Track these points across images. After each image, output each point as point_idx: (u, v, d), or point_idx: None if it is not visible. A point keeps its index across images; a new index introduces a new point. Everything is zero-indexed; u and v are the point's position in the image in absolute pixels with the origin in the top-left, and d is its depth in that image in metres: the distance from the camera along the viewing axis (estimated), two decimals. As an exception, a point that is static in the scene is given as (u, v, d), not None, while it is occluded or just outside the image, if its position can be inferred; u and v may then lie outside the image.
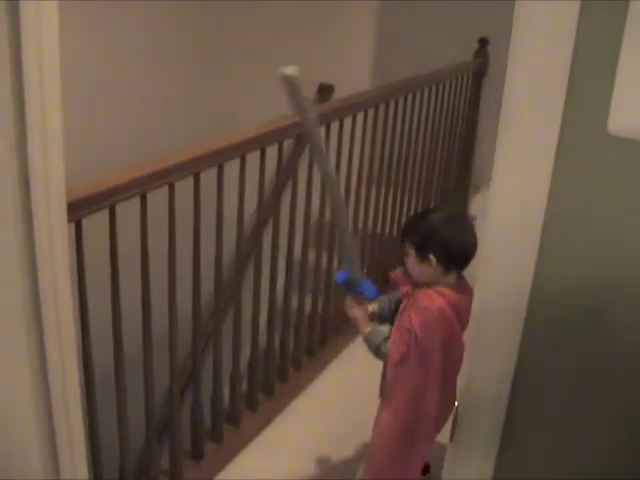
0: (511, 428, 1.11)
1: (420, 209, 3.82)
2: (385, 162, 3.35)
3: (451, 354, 1.97)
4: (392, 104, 3.28)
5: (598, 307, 1.02)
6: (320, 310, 3.10)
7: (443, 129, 3.89)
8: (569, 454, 1.10)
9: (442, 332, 1.95)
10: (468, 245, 1.99)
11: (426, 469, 2.37)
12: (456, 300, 1.96)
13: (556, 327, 1.06)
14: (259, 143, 2.40)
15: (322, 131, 2.14)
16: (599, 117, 0.95)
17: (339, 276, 2.02)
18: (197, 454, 2.52)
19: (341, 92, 4.37)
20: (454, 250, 1.98)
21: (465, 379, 1.16)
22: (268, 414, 2.79)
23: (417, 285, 2.01)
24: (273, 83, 1.53)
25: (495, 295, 1.09)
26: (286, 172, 2.80)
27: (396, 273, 2.07)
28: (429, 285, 1.99)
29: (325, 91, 4.39)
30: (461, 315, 1.92)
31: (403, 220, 3.62)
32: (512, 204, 1.05)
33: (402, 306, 2.04)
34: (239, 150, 2.31)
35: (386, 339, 2.01)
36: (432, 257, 1.95)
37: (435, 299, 1.95)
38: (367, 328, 2.06)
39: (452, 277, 2.00)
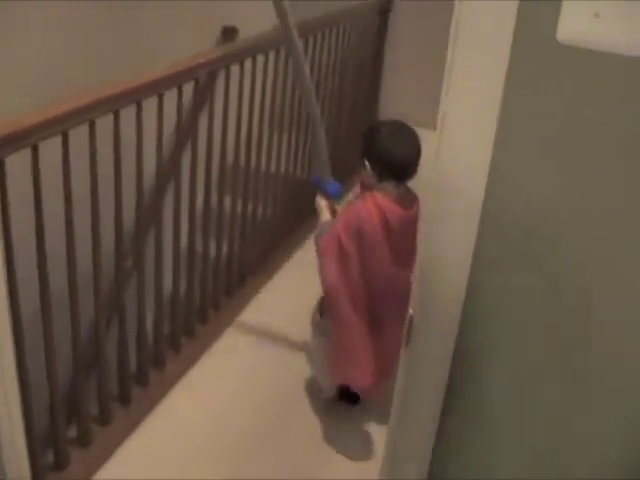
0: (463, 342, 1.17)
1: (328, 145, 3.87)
2: (295, 103, 3.34)
3: (371, 256, 2.12)
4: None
5: (547, 229, 1.09)
6: (237, 252, 3.10)
7: (351, 67, 3.91)
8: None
9: (362, 235, 2.10)
10: (402, 157, 2.10)
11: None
12: (388, 207, 2.09)
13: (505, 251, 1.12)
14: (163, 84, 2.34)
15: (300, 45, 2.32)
16: (549, 27, 0.99)
17: (313, 177, 2.39)
18: (125, 398, 2.50)
19: (245, 35, 4.30)
20: (386, 159, 2.10)
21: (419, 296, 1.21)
22: (192, 355, 2.80)
23: (365, 189, 2.18)
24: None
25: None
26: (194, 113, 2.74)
27: (361, 178, 2.24)
28: (370, 190, 2.14)
29: (229, 34, 4.30)
30: (391, 222, 2.08)
31: (311, 159, 3.65)
32: (465, 123, 1.08)
33: None
34: (155, 88, 2.28)
35: None
36: (367, 163, 2.12)
37: (365, 204, 2.11)
38: (324, 219, 2.26)
39: (390, 186, 2.12)
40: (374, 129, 2.20)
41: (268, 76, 3.02)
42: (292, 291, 3.27)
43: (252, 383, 2.74)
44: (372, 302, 2.20)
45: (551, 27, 0.99)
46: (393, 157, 2.10)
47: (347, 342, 2.25)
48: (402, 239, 2.12)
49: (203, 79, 2.55)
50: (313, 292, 2.45)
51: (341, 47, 3.69)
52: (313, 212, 2.35)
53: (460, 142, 1.08)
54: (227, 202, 2.91)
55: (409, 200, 2.15)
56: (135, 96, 2.18)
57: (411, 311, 1.20)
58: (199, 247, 2.77)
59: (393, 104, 4.64)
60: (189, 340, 2.84)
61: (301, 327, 2.71)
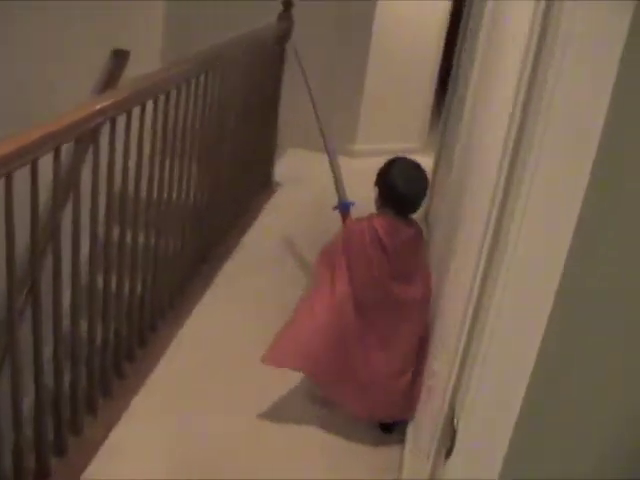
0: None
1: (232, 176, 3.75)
2: (194, 138, 3.13)
3: (357, 265, 2.44)
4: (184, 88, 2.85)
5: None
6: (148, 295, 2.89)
7: (252, 96, 3.77)
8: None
9: (353, 246, 2.46)
10: (404, 195, 2.45)
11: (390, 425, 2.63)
12: (384, 228, 2.42)
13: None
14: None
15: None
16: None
17: (336, 207, 2.86)
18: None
19: (135, 58, 4.10)
20: (390, 192, 2.47)
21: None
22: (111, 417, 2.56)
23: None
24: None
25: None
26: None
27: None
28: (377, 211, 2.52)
29: (120, 57, 4.06)
30: (384, 242, 2.41)
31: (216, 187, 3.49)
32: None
33: None
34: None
35: None
36: (375, 188, 2.52)
37: (364, 221, 2.49)
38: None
39: (390, 212, 2.46)
40: (391, 161, 2.54)
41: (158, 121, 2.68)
42: (206, 338, 3.12)
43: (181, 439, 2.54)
44: (364, 309, 2.46)
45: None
46: (396, 192, 2.45)
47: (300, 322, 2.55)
48: (396, 258, 2.43)
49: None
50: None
51: (241, 77, 3.52)
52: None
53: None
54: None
55: (406, 226, 2.48)
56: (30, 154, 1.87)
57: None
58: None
59: (291, 130, 4.58)
60: (106, 400, 2.60)
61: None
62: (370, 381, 2.46)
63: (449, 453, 1.12)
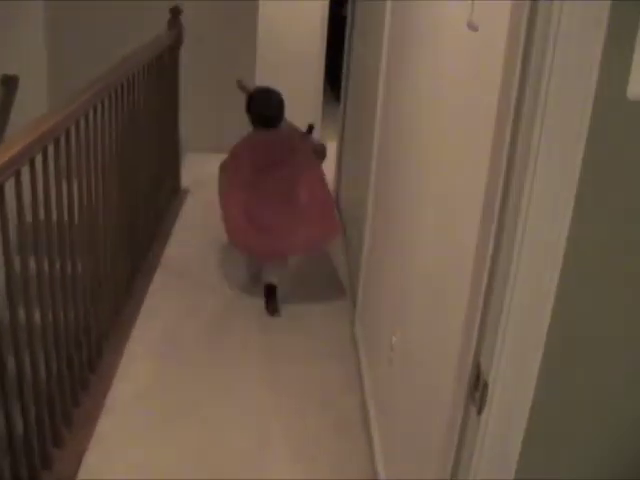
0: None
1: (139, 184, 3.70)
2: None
3: (238, 166, 3.49)
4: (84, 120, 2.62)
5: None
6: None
7: (151, 106, 3.72)
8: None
9: (232, 155, 3.59)
10: (260, 111, 3.54)
11: (271, 290, 3.46)
12: (254, 140, 3.56)
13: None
14: None
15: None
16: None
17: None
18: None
19: (25, 82, 3.98)
20: (251, 113, 3.57)
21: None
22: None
23: None
24: None
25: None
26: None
27: None
28: None
29: (10, 83, 3.91)
30: (255, 146, 3.53)
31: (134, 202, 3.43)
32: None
33: None
34: None
35: None
36: (248, 116, 3.58)
37: (239, 141, 3.61)
38: None
39: (258, 127, 3.56)
40: (251, 96, 3.61)
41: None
42: (152, 349, 3.09)
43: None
44: (252, 188, 3.42)
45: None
46: (255, 113, 3.56)
47: (226, 212, 3.52)
48: (266, 155, 3.46)
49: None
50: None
51: (143, 90, 3.47)
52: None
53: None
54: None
55: (273, 134, 3.54)
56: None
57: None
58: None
59: (192, 132, 4.56)
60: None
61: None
62: (283, 225, 3.41)
63: (481, 410, 1.20)
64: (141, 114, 3.46)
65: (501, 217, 1.14)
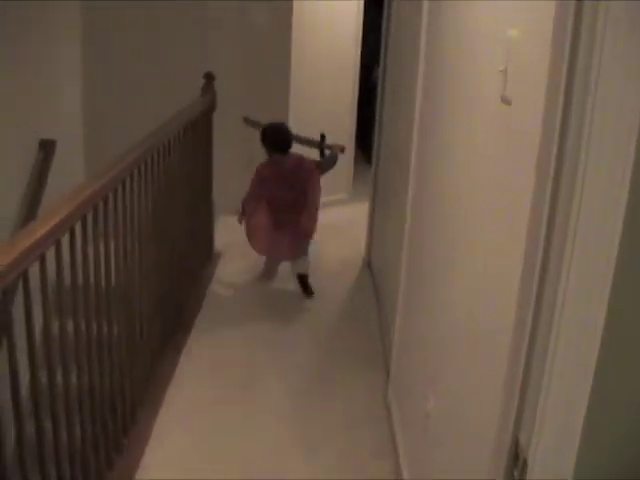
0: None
1: (175, 253, 3.74)
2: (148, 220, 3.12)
3: (262, 180, 4.15)
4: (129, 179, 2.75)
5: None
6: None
7: (189, 165, 3.80)
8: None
9: (256, 178, 4.17)
10: (273, 138, 4.15)
11: (303, 278, 4.32)
12: (274, 161, 4.16)
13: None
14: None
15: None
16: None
17: None
18: None
19: (62, 147, 4.08)
20: (265, 141, 4.17)
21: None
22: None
23: None
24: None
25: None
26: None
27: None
28: None
29: (48, 147, 4.03)
30: (269, 173, 4.16)
31: (170, 265, 3.47)
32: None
33: None
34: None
35: None
36: (263, 146, 4.18)
37: (259, 166, 4.21)
38: None
39: (272, 153, 4.16)
40: (264, 129, 4.21)
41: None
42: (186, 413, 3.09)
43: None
44: (270, 207, 4.18)
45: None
46: (268, 140, 4.16)
47: (252, 218, 4.23)
48: (277, 181, 4.13)
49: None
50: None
51: (177, 152, 3.54)
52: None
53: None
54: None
55: (285, 157, 4.15)
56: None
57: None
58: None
59: (225, 195, 4.62)
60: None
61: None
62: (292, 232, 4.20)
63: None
64: (176, 178, 3.53)
65: (540, 288, 1.14)
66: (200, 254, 4.37)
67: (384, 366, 3.44)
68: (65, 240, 2.12)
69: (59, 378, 2.21)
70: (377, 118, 4.54)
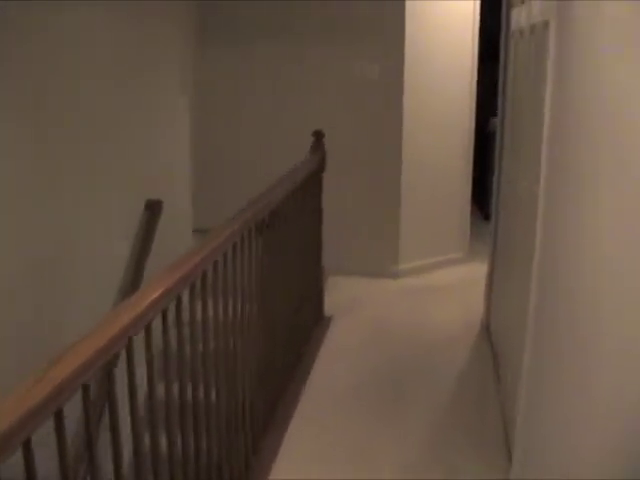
0: None
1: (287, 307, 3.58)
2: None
3: None
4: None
5: None
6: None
7: (291, 234, 3.66)
8: None
9: None
10: None
11: None
12: None
13: None
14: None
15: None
16: None
17: None
18: None
19: (168, 207, 4.06)
20: None
21: None
22: None
23: None
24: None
25: None
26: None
27: None
28: None
29: (154, 208, 4.03)
30: None
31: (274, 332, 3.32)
32: None
33: None
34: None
35: None
36: None
37: None
38: None
39: None
40: None
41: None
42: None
43: None
44: None
45: None
46: None
47: None
48: None
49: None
50: None
51: (287, 213, 3.41)
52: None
53: None
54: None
55: None
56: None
57: None
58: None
59: (335, 254, 4.47)
60: None
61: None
62: None
63: None
64: (285, 240, 3.40)
65: None
66: (309, 318, 4.20)
67: (505, 445, 3.12)
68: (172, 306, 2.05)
69: (162, 445, 2.08)
70: (496, 171, 4.29)
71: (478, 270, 4.85)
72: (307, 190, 3.80)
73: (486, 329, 4.39)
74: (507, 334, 3.59)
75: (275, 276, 3.23)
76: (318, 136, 4.15)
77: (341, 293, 4.66)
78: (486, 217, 5.25)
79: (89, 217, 3.47)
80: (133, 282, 3.70)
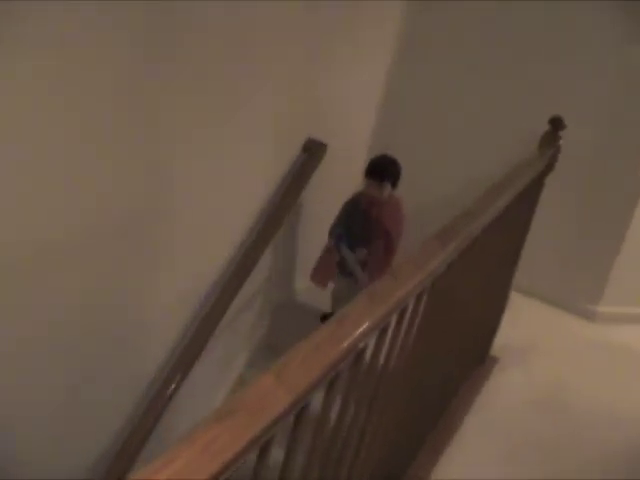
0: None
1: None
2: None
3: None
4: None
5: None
6: None
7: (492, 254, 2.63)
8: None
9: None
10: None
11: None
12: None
13: None
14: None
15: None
16: None
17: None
18: None
19: (333, 153, 3.20)
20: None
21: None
22: None
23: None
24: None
25: None
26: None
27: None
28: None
29: (314, 150, 3.16)
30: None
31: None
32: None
33: None
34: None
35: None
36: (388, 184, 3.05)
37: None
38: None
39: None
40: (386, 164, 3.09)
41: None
42: None
43: None
44: None
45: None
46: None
47: None
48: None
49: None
50: None
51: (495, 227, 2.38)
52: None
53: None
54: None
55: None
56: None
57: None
58: None
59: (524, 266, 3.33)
60: None
61: None
62: None
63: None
64: (474, 262, 2.38)
65: None
66: (471, 357, 3.19)
67: None
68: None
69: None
70: None
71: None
72: (524, 198, 2.72)
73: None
74: None
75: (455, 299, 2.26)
76: (555, 124, 3.03)
77: (517, 322, 3.58)
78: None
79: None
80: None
